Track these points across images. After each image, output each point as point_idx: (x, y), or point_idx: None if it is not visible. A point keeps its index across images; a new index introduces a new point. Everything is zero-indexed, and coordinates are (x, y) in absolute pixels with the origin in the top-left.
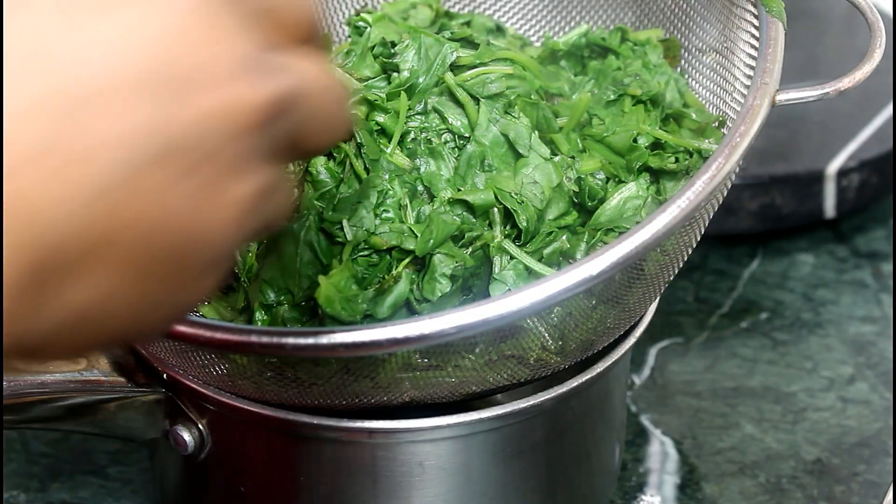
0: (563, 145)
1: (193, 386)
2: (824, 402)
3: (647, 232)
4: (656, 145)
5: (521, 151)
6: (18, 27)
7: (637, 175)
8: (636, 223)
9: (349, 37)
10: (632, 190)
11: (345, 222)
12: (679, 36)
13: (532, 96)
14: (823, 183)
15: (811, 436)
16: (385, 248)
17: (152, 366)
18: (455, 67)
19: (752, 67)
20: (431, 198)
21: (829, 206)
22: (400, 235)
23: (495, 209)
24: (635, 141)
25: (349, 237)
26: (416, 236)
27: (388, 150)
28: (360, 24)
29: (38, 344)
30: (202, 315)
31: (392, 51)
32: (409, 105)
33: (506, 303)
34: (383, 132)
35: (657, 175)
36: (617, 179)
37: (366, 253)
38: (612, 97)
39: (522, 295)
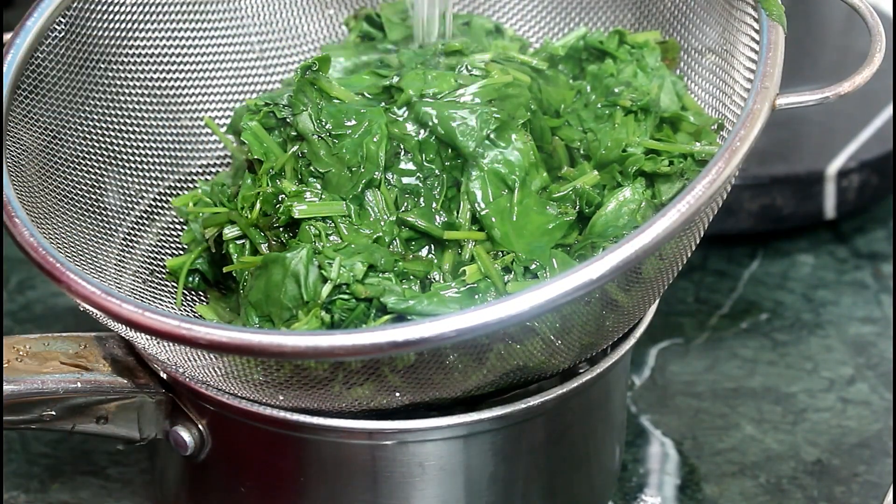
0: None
1: (193, 386)
2: (824, 402)
3: (647, 236)
4: (650, 149)
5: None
6: None
7: (632, 179)
8: (633, 228)
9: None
10: (627, 194)
11: (336, 261)
12: (679, 38)
13: (531, 105)
14: (824, 183)
15: (811, 436)
16: (364, 297)
17: (152, 367)
18: (449, 54)
19: (751, 71)
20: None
21: (830, 207)
22: (383, 291)
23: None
24: (625, 151)
25: (333, 276)
26: (398, 294)
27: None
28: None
29: None
30: (200, 315)
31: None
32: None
33: (506, 306)
34: None
35: (652, 179)
36: (614, 183)
37: (346, 296)
38: (605, 112)
39: (523, 298)
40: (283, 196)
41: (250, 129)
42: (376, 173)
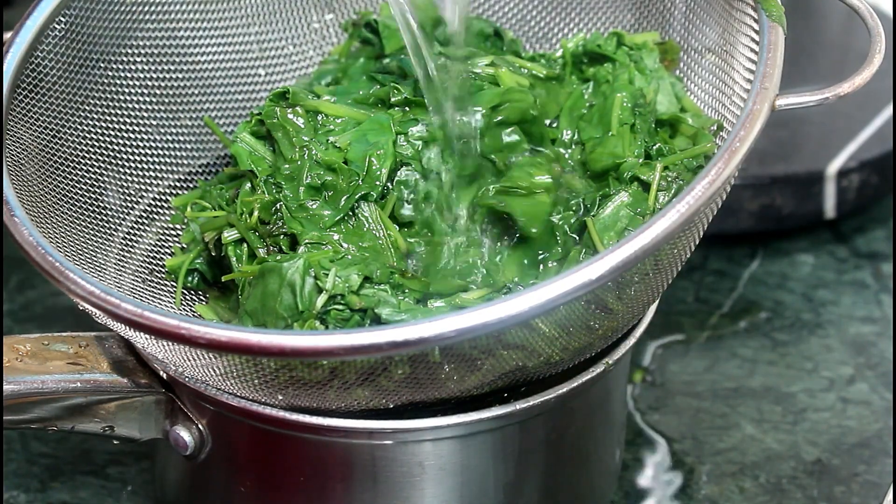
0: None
1: (193, 386)
2: (824, 402)
3: (647, 236)
4: (646, 156)
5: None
6: None
7: (628, 184)
8: (632, 230)
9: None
10: (624, 198)
11: (332, 271)
12: (678, 39)
13: (531, 111)
14: (823, 183)
15: (811, 436)
16: (358, 307)
17: (152, 367)
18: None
19: (751, 71)
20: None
21: (830, 207)
22: (377, 302)
23: None
24: (620, 164)
25: (328, 286)
26: (393, 305)
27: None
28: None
29: None
30: (199, 315)
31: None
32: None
33: (506, 306)
34: None
35: (647, 184)
36: (610, 189)
37: (341, 307)
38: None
39: (522, 299)
40: (282, 204)
41: (241, 141)
42: (373, 190)
